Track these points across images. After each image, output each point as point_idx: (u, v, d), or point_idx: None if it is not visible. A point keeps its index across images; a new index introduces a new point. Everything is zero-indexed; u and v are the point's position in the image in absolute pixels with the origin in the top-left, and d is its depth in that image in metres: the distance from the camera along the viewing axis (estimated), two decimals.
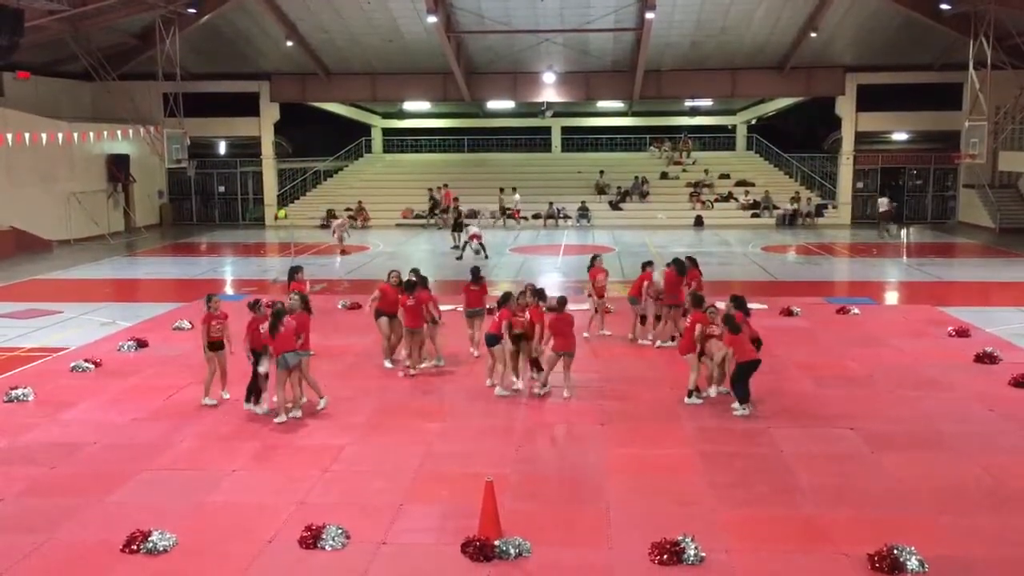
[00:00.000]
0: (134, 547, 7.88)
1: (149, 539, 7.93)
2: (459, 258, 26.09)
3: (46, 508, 8.83)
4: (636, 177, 38.05)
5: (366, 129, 43.34)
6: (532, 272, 24.11)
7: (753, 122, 43.02)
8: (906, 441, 10.57)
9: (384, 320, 13.92)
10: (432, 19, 28.48)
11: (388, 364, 13.95)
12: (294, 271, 15.03)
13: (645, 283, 15.09)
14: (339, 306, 18.50)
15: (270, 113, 36.65)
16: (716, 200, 36.89)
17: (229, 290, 21.55)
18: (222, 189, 38.39)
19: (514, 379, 12.52)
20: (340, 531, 8.10)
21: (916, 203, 36.66)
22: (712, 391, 12.07)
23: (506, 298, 12.57)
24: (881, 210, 31.86)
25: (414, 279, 13.79)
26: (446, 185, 35.98)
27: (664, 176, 39.13)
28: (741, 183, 37.83)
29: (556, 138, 42.85)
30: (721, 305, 12.48)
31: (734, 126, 43.15)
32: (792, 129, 42.30)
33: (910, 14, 29.60)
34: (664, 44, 32.21)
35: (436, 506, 8.88)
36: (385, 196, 37.58)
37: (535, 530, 8.19)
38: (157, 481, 9.54)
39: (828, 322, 17.02)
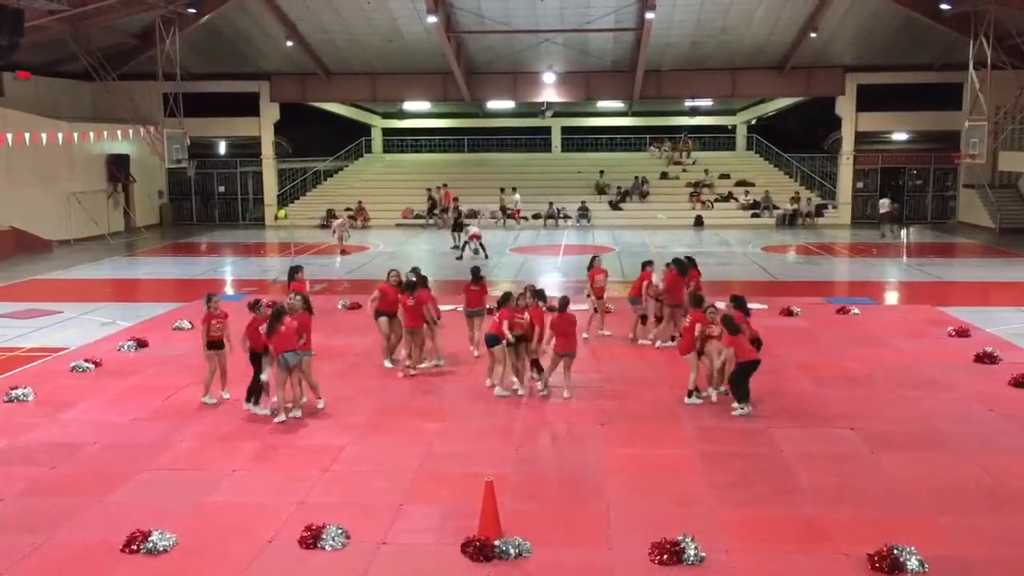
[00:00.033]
0: (134, 547, 7.88)
1: (149, 539, 7.93)
2: (459, 258, 26.09)
3: (46, 508, 8.83)
4: (636, 177, 38.05)
5: (366, 129, 43.35)
6: (532, 272, 24.12)
7: (753, 122, 43.03)
8: (906, 441, 10.57)
9: (384, 320, 13.91)
10: (432, 19, 28.48)
11: (388, 364, 13.95)
12: (294, 271, 15.04)
13: (644, 283, 15.09)
14: (339, 306, 18.50)
15: (270, 113, 36.66)
16: (716, 200, 36.90)
17: (229, 290, 21.55)
18: (222, 189, 38.40)
19: (514, 381, 12.50)
20: (340, 531, 8.10)
21: (916, 203, 36.66)
22: (713, 395, 12.05)
23: (506, 298, 12.57)
24: (882, 211, 31.84)
25: (414, 279, 13.79)
26: (445, 185, 35.99)
27: (664, 176, 39.14)
28: (741, 183, 37.83)
29: (556, 138, 42.84)
30: (721, 305, 12.48)
31: (734, 126, 43.15)
32: (792, 129, 42.30)
33: (910, 14, 29.60)
34: (664, 44, 32.22)
35: (436, 506, 8.88)
36: (385, 196, 37.58)
37: (535, 530, 8.19)
38: (157, 481, 9.54)
39: (828, 322, 17.02)
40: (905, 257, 26.79)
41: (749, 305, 12.93)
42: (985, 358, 13.92)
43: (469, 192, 35.79)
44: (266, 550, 7.98)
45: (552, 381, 12.47)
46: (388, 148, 43.88)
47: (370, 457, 10.24)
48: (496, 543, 7.82)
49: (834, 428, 11.03)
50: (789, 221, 35.18)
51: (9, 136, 25.38)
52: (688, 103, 40.51)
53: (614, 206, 37.00)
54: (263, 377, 11.45)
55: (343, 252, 27.74)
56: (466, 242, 26.74)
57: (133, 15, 29.43)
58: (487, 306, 14.76)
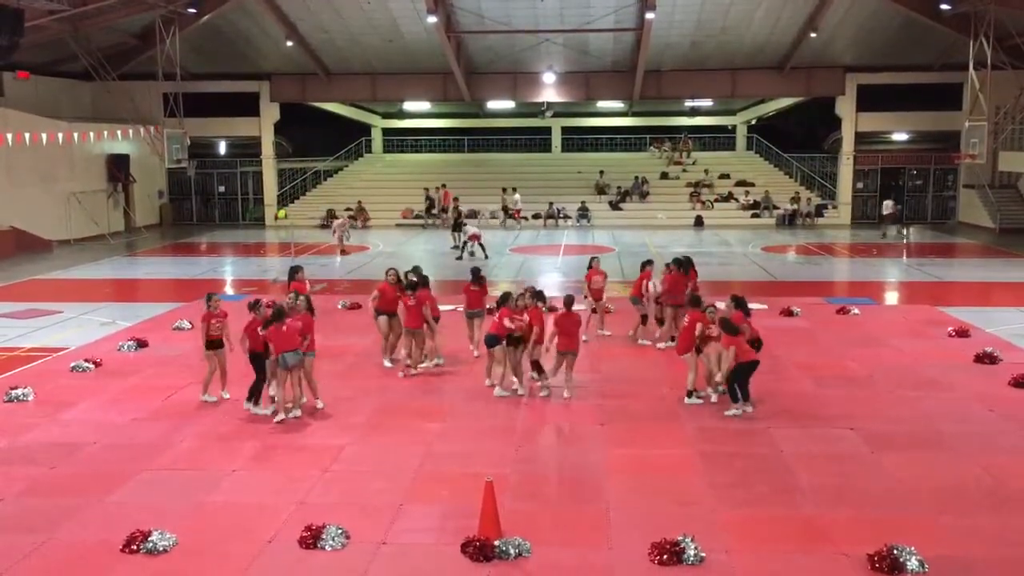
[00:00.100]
0: (134, 547, 7.88)
1: (149, 539, 7.93)
2: (459, 258, 26.09)
3: (46, 508, 8.83)
4: (636, 177, 38.05)
5: (366, 129, 43.35)
6: (532, 272, 24.13)
7: (753, 122, 43.03)
8: (906, 441, 10.57)
9: (384, 319, 13.92)
10: (432, 19, 28.49)
11: (387, 363, 13.95)
12: (294, 271, 15.04)
13: (644, 282, 15.09)
14: (339, 306, 18.50)
15: (270, 113, 36.66)
16: (716, 200, 36.90)
17: (229, 290, 21.55)
18: (222, 189, 38.40)
19: (514, 381, 12.49)
20: (340, 531, 8.10)
21: (916, 203, 36.65)
22: (712, 395, 12.04)
23: (505, 298, 12.59)
24: (885, 212, 31.78)
25: (415, 279, 13.78)
26: (444, 185, 36.00)
27: (664, 176, 39.14)
28: (741, 183, 37.84)
29: (556, 138, 42.84)
30: (722, 305, 12.48)
31: (734, 126, 43.16)
32: (792, 129, 42.30)
33: (910, 14, 29.61)
34: (664, 44, 32.22)
35: (436, 506, 8.88)
36: (385, 196, 37.59)
37: (535, 530, 8.19)
38: (157, 481, 9.54)
39: (828, 322, 17.01)
40: (905, 257, 26.80)
41: (749, 305, 12.92)
42: (985, 358, 13.92)
43: (469, 192, 35.80)
44: (266, 550, 7.98)
45: (552, 381, 12.47)
46: (388, 148, 43.89)
47: (370, 457, 10.24)
48: (496, 543, 7.81)
49: (834, 428, 11.03)
50: (789, 221, 35.18)
51: (9, 136, 25.38)
52: (688, 103, 40.51)
53: (614, 206, 37.01)
54: (271, 393, 11.46)
55: (343, 252, 27.74)
56: (465, 242, 26.74)
57: (133, 15, 29.44)
58: (487, 306, 14.75)
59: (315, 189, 39.77)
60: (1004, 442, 10.55)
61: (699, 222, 35.19)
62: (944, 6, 28.52)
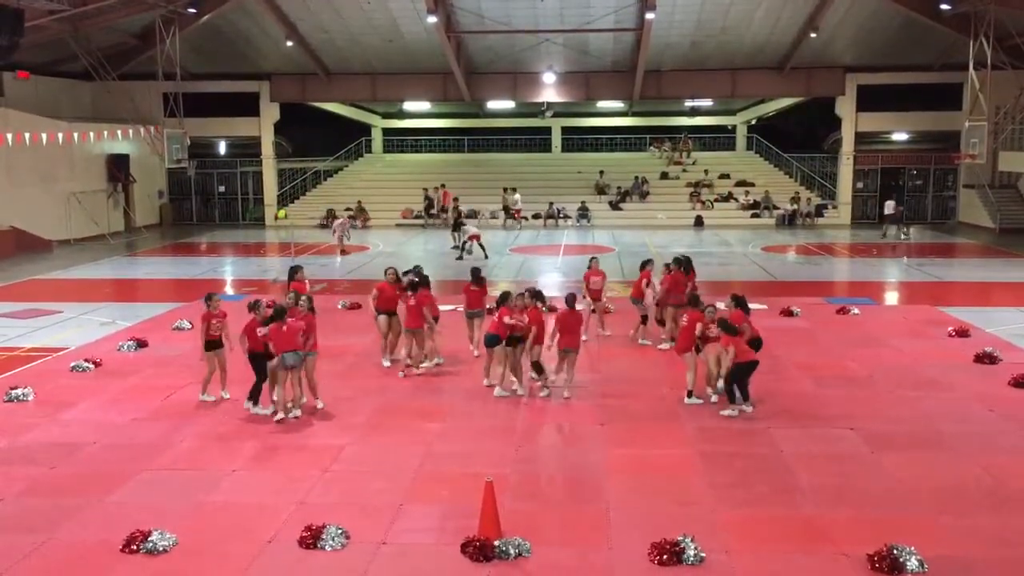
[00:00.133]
0: (134, 547, 7.88)
1: (149, 539, 7.93)
2: (459, 258, 26.10)
3: (46, 508, 8.83)
4: (636, 177, 38.05)
5: (366, 129, 43.35)
6: (532, 272, 24.14)
7: (753, 122, 43.02)
8: (906, 441, 10.58)
9: (383, 318, 13.93)
10: (432, 19, 28.48)
11: (386, 362, 13.96)
12: (294, 271, 15.04)
13: (644, 281, 15.08)
14: (339, 306, 18.50)
15: (270, 113, 36.65)
16: (716, 200, 36.89)
17: (229, 290, 21.55)
18: (222, 189, 38.40)
19: (514, 381, 12.49)
20: (340, 531, 8.10)
21: (916, 203, 36.63)
22: (713, 396, 12.03)
23: (504, 297, 12.61)
24: (887, 212, 31.71)
25: (415, 279, 13.78)
26: (443, 185, 36.00)
27: (664, 176, 39.13)
28: (741, 183, 37.83)
29: (556, 138, 42.83)
30: (722, 305, 12.48)
31: (734, 126, 43.15)
32: (792, 129, 42.29)
33: (910, 14, 29.61)
34: (664, 44, 32.22)
35: (436, 506, 8.88)
36: (385, 196, 37.58)
37: (535, 530, 8.19)
38: (157, 481, 9.54)
39: (828, 322, 17.02)
40: (905, 257, 26.79)
41: (749, 305, 12.91)
42: (985, 358, 13.92)
43: (469, 192, 35.80)
44: (266, 550, 7.98)
45: (552, 380, 12.46)
46: (388, 148, 43.88)
47: (370, 457, 10.24)
48: (496, 543, 7.81)
49: (834, 428, 11.03)
50: (789, 221, 35.18)
51: (9, 136, 25.39)
52: (688, 103, 40.50)
53: (614, 206, 37.00)
54: (273, 396, 11.47)
55: (343, 252, 27.74)
56: (465, 242, 26.75)
57: (133, 15, 29.44)
58: (487, 306, 14.75)
59: (315, 189, 39.76)
60: (1004, 442, 10.55)
61: (699, 222, 35.19)
62: (944, 6, 28.52)
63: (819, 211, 36.13)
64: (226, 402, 12.07)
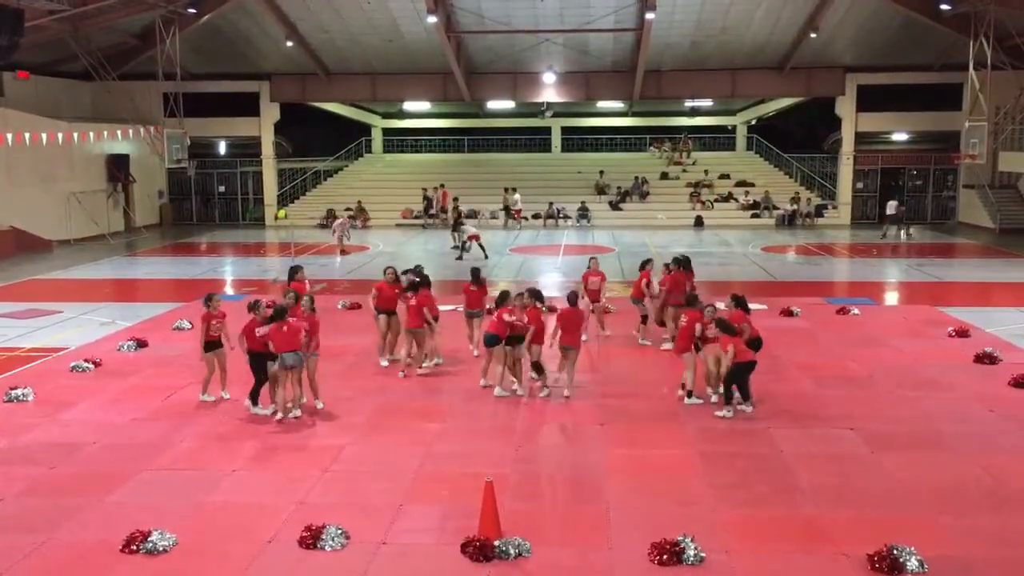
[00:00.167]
0: (134, 547, 7.88)
1: (149, 539, 7.93)
2: (459, 258, 26.10)
3: (46, 508, 8.83)
4: (636, 177, 38.05)
5: (366, 129, 43.35)
6: (532, 272, 24.15)
7: (753, 122, 43.02)
8: (906, 441, 10.58)
9: (383, 318, 13.95)
10: (432, 19, 28.48)
11: (383, 362, 13.97)
12: (294, 271, 15.03)
13: (643, 282, 15.08)
14: (339, 306, 18.50)
15: (270, 113, 36.65)
16: (716, 200, 36.90)
17: (229, 290, 21.56)
18: (222, 189, 38.40)
19: (513, 381, 12.50)
20: (340, 531, 8.10)
21: (916, 203, 36.63)
22: (713, 396, 12.03)
23: (503, 297, 12.62)
24: (889, 212, 31.66)
25: (416, 279, 13.78)
26: (442, 185, 36.00)
27: (664, 176, 39.14)
28: (741, 183, 37.84)
29: (556, 138, 42.84)
30: (722, 305, 12.47)
31: (734, 126, 43.16)
32: (792, 129, 42.30)
33: (910, 14, 29.61)
34: (664, 44, 32.22)
35: (436, 506, 8.88)
36: (385, 196, 37.59)
37: (535, 530, 8.19)
38: (157, 481, 9.54)
39: (828, 322, 17.02)
40: (905, 257, 26.79)
41: (749, 305, 12.90)
42: (985, 358, 13.92)
43: (469, 192, 35.80)
44: (266, 550, 7.98)
45: (552, 382, 12.47)
46: (388, 148, 43.89)
47: (370, 457, 10.24)
48: (496, 543, 7.81)
49: (834, 428, 11.03)
50: (789, 221, 35.19)
51: (9, 136, 25.38)
52: (688, 103, 40.48)
53: (614, 206, 37.01)
54: (276, 399, 11.48)
55: (343, 252, 27.75)
56: (464, 242, 26.76)
57: (133, 15, 29.44)
58: (487, 306, 14.75)
59: (315, 189, 39.76)
60: (1004, 442, 10.55)
61: (699, 222, 35.19)
62: (944, 6, 28.52)
63: (819, 211, 36.14)
64: (226, 402, 12.07)
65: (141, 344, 15.21)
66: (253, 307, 11.62)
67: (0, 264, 25.18)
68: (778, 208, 35.71)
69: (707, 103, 41.15)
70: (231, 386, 12.22)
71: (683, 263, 15.21)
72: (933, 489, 9.19)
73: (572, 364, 12.40)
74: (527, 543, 7.89)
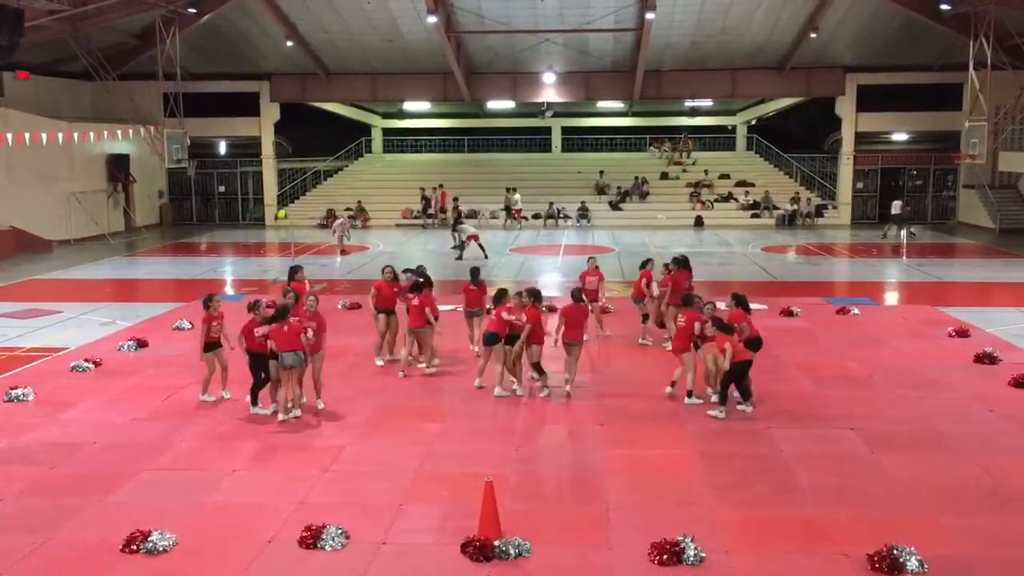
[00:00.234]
0: (134, 547, 7.88)
1: (149, 539, 7.93)
2: (459, 258, 26.11)
3: (46, 508, 8.83)
4: (636, 177, 38.05)
5: (366, 129, 43.35)
6: (532, 272, 24.15)
7: (753, 122, 43.03)
8: (906, 441, 10.57)
9: (382, 318, 13.95)
10: (432, 19, 28.48)
11: (379, 362, 13.98)
12: (294, 271, 15.03)
13: (643, 282, 15.08)
14: (339, 306, 18.49)
15: (270, 113, 36.66)
16: (716, 200, 36.90)
17: (229, 290, 21.56)
18: (222, 189, 38.41)
19: (513, 381, 12.50)
20: (340, 531, 8.10)
21: (916, 203, 36.57)
22: (713, 396, 12.02)
23: (501, 294, 12.64)
24: (894, 212, 31.57)
25: (419, 279, 13.78)
26: (441, 186, 36.00)
27: (664, 176, 39.14)
28: (741, 183, 37.84)
29: (556, 138, 42.85)
30: (722, 305, 12.47)
31: (734, 126, 43.16)
32: (792, 129, 42.30)
33: (910, 14, 29.61)
34: (664, 44, 32.22)
35: (436, 506, 8.88)
36: (385, 196, 37.59)
37: (535, 530, 8.19)
38: (157, 481, 9.54)
39: (828, 322, 17.01)
40: (905, 257, 26.80)
41: (750, 305, 12.90)
42: (985, 358, 13.92)
43: (469, 192, 35.80)
44: (266, 550, 7.98)
45: (552, 382, 12.47)
46: (388, 148, 43.89)
47: (370, 457, 10.24)
48: (496, 543, 7.81)
49: (834, 428, 11.03)
50: (789, 221, 35.19)
51: (9, 136, 25.38)
52: (688, 103, 40.50)
53: (614, 206, 37.01)
54: (277, 398, 11.48)
55: (343, 252, 27.75)
56: (463, 241, 26.76)
57: (133, 15, 29.44)
58: (487, 306, 14.76)
59: (315, 189, 39.77)
60: (1004, 442, 10.55)
61: (699, 222, 35.19)
62: (944, 6, 28.52)
63: (819, 211, 36.14)
64: (226, 402, 12.07)
65: (141, 344, 15.21)
66: (253, 307, 11.62)
67: (0, 264, 25.18)
68: (778, 208, 35.71)
69: (707, 103, 41.16)
70: (231, 386, 12.22)
71: (682, 263, 15.21)
72: (933, 489, 9.18)
73: (575, 360, 12.41)
74: (527, 543, 7.89)
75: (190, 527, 8.33)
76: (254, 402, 11.64)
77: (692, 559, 7.63)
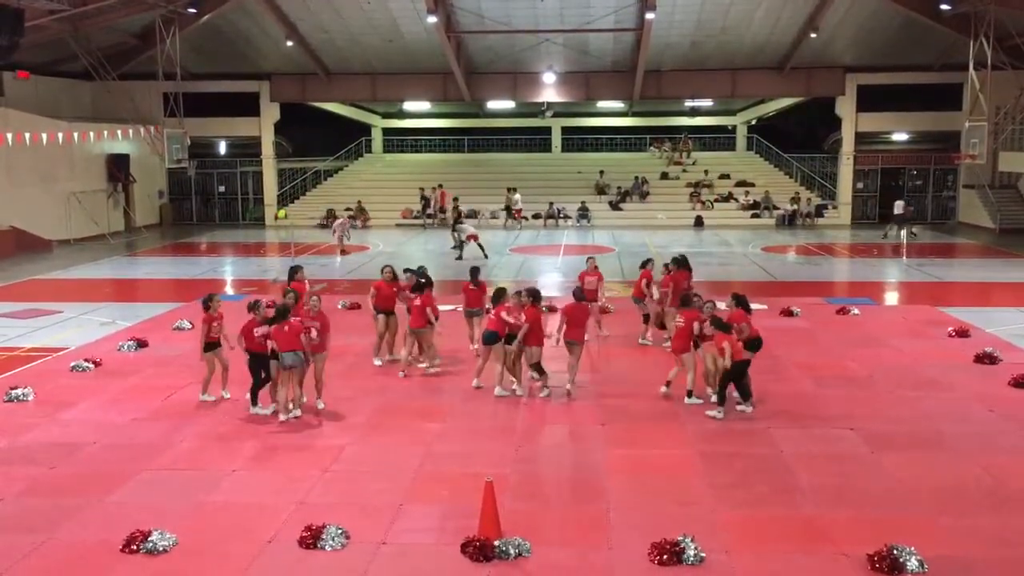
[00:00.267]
0: (134, 547, 7.88)
1: (149, 539, 7.93)
2: (459, 258, 26.11)
3: (46, 508, 8.83)
4: (636, 177, 38.06)
5: (366, 129, 43.35)
6: (532, 272, 24.15)
7: (753, 122, 43.03)
8: (906, 441, 10.57)
9: (381, 318, 13.96)
10: (432, 19, 28.49)
11: (377, 361, 13.98)
12: (294, 271, 15.03)
13: (644, 282, 15.08)
14: (339, 306, 18.49)
15: (270, 113, 36.66)
16: (716, 200, 36.90)
17: (229, 290, 21.56)
18: (222, 189, 38.41)
19: (513, 381, 12.50)
20: (340, 531, 8.10)
21: (916, 203, 36.56)
22: (713, 396, 12.01)
23: (499, 294, 12.65)
24: (897, 212, 31.53)
25: (422, 280, 13.79)
26: (440, 185, 36.00)
27: (664, 176, 39.14)
28: (741, 183, 37.84)
29: (556, 138, 42.85)
30: (723, 305, 12.46)
31: (734, 126, 43.16)
32: (792, 129, 42.31)
33: (910, 14, 29.61)
34: (664, 44, 32.22)
35: (436, 506, 8.88)
36: (385, 196, 37.59)
37: (535, 530, 8.19)
38: (157, 481, 9.54)
39: (828, 322, 17.01)
40: (905, 257, 26.80)
41: (750, 305, 12.89)
42: (985, 358, 13.92)
43: (469, 192, 35.80)
44: (266, 550, 7.98)
45: (553, 382, 12.48)
46: (388, 148, 43.90)
47: (370, 457, 10.24)
48: (496, 543, 7.81)
49: (834, 428, 11.02)
50: (789, 221, 35.19)
51: (9, 136, 25.38)
52: (688, 103, 40.51)
53: (614, 206, 37.01)
54: (278, 398, 11.49)
55: (343, 252, 27.75)
56: (462, 242, 26.76)
57: (133, 15, 29.44)
58: (486, 305, 14.75)
59: (315, 189, 39.77)
60: (1004, 442, 10.55)
61: (699, 222, 35.19)
62: (944, 6, 28.52)
63: (819, 211, 36.14)
64: (226, 402, 12.07)
65: (141, 344, 15.21)
66: (253, 307, 11.62)
67: (0, 264, 25.18)
68: (778, 208, 35.71)
69: (707, 103, 41.17)
70: (231, 385, 12.22)
71: (681, 263, 15.20)
72: (933, 489, 9.18)
73: (576, 360, 12.41)
74: (527, 543, 7.89)
75: (190, 527, 8.33)
76: (254, 402, 11.64)
77: (692, 559, 7.63)
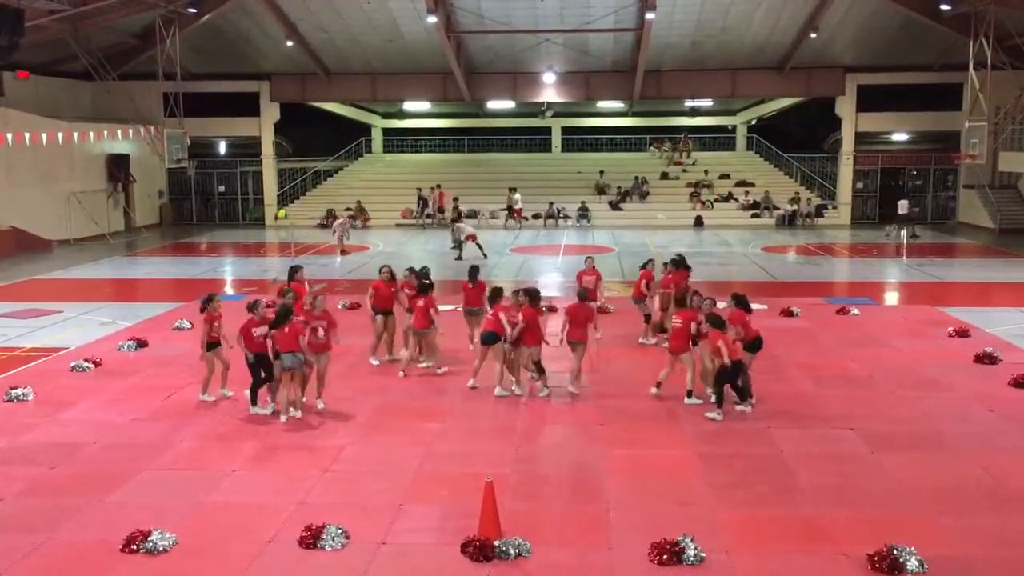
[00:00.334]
0: (134, 547, 7.88)
1: (149, 539, 7.93)
2: (458, 258, 26.10)
3: (46, 508, 8.83)
4: (636, 177, 38.06)
5: (366, 129, 43.36)
6: (532, 272, 24.15)
7: (753, 122, 43.04)
8: (906, 441, 10.57)
9: (380, 318, 13.96)
10: (432, 19, 28.49)
11: (374, 361, 13.99)
12: (294, 271, 15.03)
13: (644, 282, 15.08)
14: (339, 306, 18.48)
15: (270, 113, 36.67)
16: (716, 200, 36.90)
17: (229, 290, 21.56)
18: (222, 189, 38.42)
19: (512, 380, 12.49)
20: (340, 531, 8.10)
21: (916, 203, 36.55)
22: (712, 396, 12.00)
23: (496, 293, 12.67)
24: (900, 212, 31.48)
25: (426, 281, 13.81)
26: (439, 185, 35.99)
27: (664, 176, 39.14)
28: (741, 183, 37.84)
29: (556, 138, 42.86)
30: (723, 305, 12.46)
31: (734, 126, 43.17)
32: (792, 129, 42.31)
33: (910, 14, 29.61)
34: (664, 44, 32.23)
35: (436, 506, 8.88)
36: (385, 196, 37.59)
37: (535, 530, 8.19)
38: (157, 481, 9.54)
39: (828, 322, 17.01)
40: (905, 257, 26.80)
41: (750, 305, 12.88)
42: (985, 358, 13.91)
43: (469, 192, 35.81)
44: (266, 550, 7.98)
45: (553, 382, 12.48)
46: (388, 148, 43.91)
47: (370, 457, 10.24)
48: (496, 543, 7.81)
49: (834, 428, 11.02)
50: (789, 221, 35.19)
51: (9, 136, 25.38)
52: (688, 103, 40.51)
53: (614, 206, 37.01)
54: (269, 408, 11.47)
55: (343, 252, 27.75)
56: (461, 242, 26.75)
57: (133, 15, 29.44)
58: (485, 305, 14.75)
59: (315, 189, 39.78)
60: (1004, 442, 10.55)
61: (699, 222, 35.19)
62: (944, 6, 28.53)
63: (819, 211, 36.15)
64: (226, 402, 12.07)
65: (141, 344, 15.21)
66: (252, 307, 11.62)
67: (0, 264, 25.18)
68: (778, 208, 35.72)
69: (707, 103, 41.17)
70: (231, 385, 12.21)
71: (679, 263, 15.18)
72: (933, 489, 9.18)
73: (579, 359, 12.41)
74: (527, 543, 7.89)
75: (190, 527, 8.33)
76: (253, 402, 11.64)
77: (692, 559, 7.63)
